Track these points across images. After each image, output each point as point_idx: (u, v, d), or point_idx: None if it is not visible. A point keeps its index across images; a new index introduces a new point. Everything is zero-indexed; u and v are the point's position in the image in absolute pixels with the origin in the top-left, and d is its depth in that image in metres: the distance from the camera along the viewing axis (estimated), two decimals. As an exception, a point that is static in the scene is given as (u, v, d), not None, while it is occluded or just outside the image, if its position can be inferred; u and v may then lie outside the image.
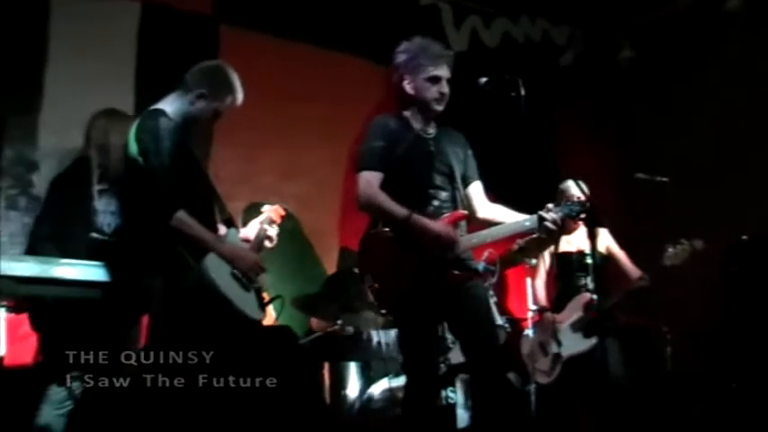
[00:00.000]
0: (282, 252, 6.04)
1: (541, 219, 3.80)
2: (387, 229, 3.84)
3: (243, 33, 6.27)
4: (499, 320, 4.97)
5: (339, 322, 5.24)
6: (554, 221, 3.78)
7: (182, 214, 3.73)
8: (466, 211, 3.99)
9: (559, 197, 5.30)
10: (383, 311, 4.50)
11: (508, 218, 3.98)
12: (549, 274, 5.70)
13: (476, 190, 4.14)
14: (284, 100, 6.33)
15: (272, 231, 4.23)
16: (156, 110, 3.90)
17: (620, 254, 5.53)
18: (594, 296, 5.26)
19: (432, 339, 3.91)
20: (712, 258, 5.54)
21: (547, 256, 5.69)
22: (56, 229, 4.24)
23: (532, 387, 5.38)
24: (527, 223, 3.89)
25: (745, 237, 5.30)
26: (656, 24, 7.12)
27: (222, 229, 4.05)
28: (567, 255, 5.53)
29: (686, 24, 6.84)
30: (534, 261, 5.61)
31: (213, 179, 5.55)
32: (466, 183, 4.10)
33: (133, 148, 3.80)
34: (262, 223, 4.27)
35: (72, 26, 5.55)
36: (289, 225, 5.46)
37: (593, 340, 5.18)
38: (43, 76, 5.43)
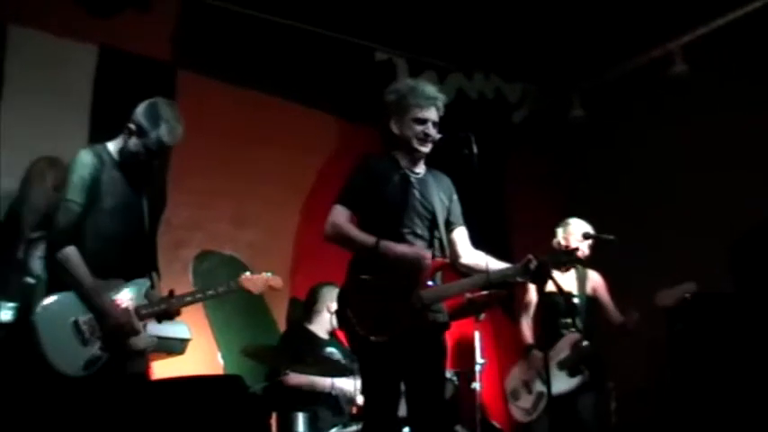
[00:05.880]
0: (232, 300, 6.06)
1: (527, 267, 3.85)
2: (368, 276, 3.87)
3: (201, 79, 6.31)
4: (447, 374, 5.00)
5: (287, 372, 5.22)
6: (538, 270, 3.83)
7: (70, 250, 3.70)
8: (446, 259, 4.03)
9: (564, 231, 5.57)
10: (354, 355, 4.48)
11: (491, 265, 3.98)
12: (536, 314, 5.71)
13: (460, 235, 4.17)
14: (240, 147, 6.36)
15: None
16: (97, 145, 3.95)
17: (606, 298, 5.62)
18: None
19: (396, 388, 3.91)
20: (656, 316, 5.65)
21: (533, 296, 5.68)
22: None
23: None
24: (507, 272, 3.93)
25: (687, 295, 5.39)
26: (606, 85, 7.30)
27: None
28: (553, 295, 5.33)
29: (634, 86, 7.03)
30: (482, 316, 5.67)
31: (165, 225, 5.59)
32: (449, 228, 4.14)
33: None
34: None
35: (27, 69, 5.54)
36: (240, 273, 5.46)
37: (578, 379, 5.31)
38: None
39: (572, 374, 5.34)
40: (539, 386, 5.44)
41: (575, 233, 5.55)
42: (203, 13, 6.24)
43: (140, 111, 3.84)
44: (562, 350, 5.42)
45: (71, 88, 5.78)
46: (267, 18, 6.39)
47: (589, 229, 5.57)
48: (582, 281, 5.60)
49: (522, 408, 5.51)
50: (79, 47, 5.84)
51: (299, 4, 6.45)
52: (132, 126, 3.84)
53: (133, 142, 3.85)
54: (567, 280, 5.52)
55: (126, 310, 3.78)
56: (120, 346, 3.77)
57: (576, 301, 5.50)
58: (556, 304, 5.44)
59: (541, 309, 5.50)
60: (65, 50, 5.77)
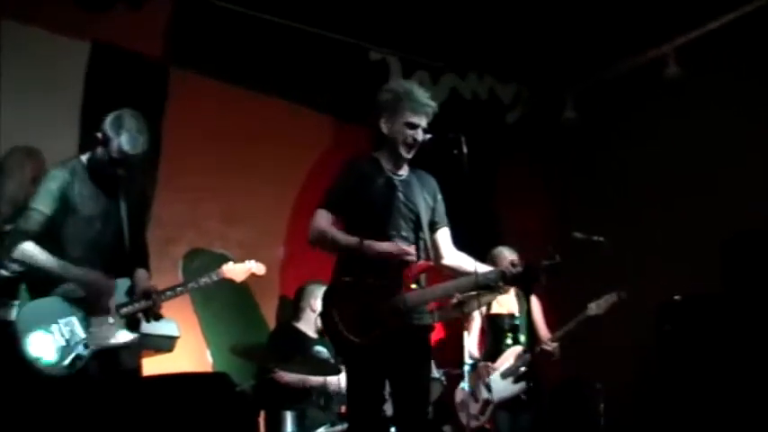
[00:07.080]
0: (222, 297, 6.06)
1: (506, 273, 3.87)
2: (350, 278, 3.86)
3: (193, 77, 6.30)
4: (436, 373, 5.00)
5: (275, 370, 5.21)
6: (525, 274, 3.84)
7: (26, 245, 3.80)
8: (431, 262, 4.02)
9: (492, 262, 5.49)
10: (339, 357, 4.48)
11: (472, 267, 3.98)
12: (481, 333, 6.01)
13: (443, 236, 4.14)
14: (231, 145, 6.35)
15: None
16: (70, 159, 4.06)
17: (539, 318, 5.93)
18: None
19: (380, 389, 3.92)
20: (646, 317, 5.67)
21: (477, 317, 5.96)
22: None
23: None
24: (491, 275, 3.94)
25: (677, 297, 5.43)
26: (598, 87, 7.30)
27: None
28: (498, 316, 5.93)
29: (627, 88, 7.03)
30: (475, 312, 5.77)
31: (155, 222, 5.59)
32: (433, 229, 4.11)
33: None
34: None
35: (20, 64, 5.54)
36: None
37: (522, 385, 5.60)
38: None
39: (516, 381, 5.67)
40: (484, 394, 5.75)
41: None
42: (196, 11, 6.23)
43: (107, 121, 3.95)
44: (506, 360, 5.78)
45: (63, 84, 5.79)
46: (260, 16, 6.37)
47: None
48: (521, 299, 5.90)
49: (471, 414, 5.68)
50: (71, 42, 5.85)
51: (293, 3, 6.43)
52: (99, 135, 3.95)
53: (100, 151, 3.97)
54: (508, 300, 5.92)
55: (102, 275, 3.88)
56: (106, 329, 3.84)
57: (517, 323, 5.91)
58: (500, 324, 5.91)
59: (488, 328, 5.94)
60: (57, 46, 5.78)
